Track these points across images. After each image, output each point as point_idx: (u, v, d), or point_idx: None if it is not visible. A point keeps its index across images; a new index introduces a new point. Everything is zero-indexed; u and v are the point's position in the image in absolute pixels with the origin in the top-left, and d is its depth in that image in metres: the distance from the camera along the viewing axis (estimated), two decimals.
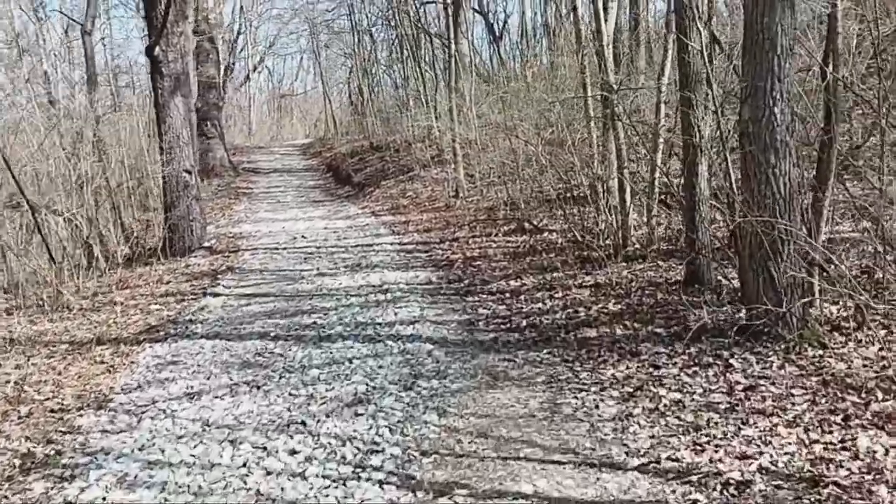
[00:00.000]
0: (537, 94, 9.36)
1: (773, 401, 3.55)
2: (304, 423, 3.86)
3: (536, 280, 6.49)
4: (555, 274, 6.54)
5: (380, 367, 4.64)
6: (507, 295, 6.16)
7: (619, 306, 5.39)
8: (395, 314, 5.88)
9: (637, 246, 6.73)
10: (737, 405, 3.57)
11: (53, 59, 13.53)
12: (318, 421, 3.87)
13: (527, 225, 9.12)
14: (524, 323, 5.38)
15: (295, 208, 14.52)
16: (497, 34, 21.46)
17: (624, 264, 6.40)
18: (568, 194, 8.15)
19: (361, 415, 3.91)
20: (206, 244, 10.56)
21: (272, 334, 5.56)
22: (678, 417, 3.54)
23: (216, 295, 7.02)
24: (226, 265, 8.87)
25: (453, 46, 13.19)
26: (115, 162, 11.01)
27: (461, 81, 13.73)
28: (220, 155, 20.90)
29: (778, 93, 4.12)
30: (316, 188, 18.11)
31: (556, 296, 5.92)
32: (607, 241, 6.81)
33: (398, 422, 3.80)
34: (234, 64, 37.04)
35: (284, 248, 9.91)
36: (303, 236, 10.77)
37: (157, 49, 10.21)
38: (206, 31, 20.10)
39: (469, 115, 12.77)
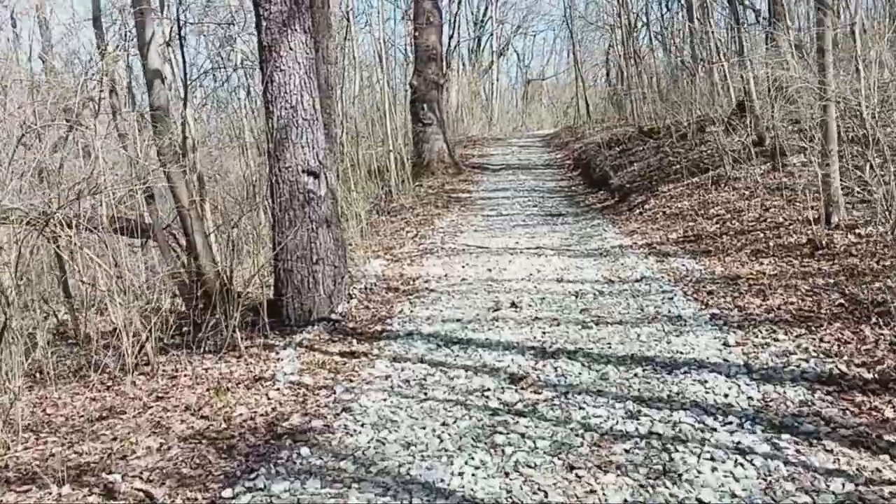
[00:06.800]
0: None
1: None
2: None
3: None
4: None
5: None
6: None
7: None
8: None
9: None
10: None
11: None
12: None
13: None
14: None
15: (519, 226, 9.23)
16: None
17: None
18: None
19: None
20: (340, 307, 5.61)
21: None
22: None
23: None
24: (311, 404, 3.78)
25: None
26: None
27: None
28: (439, 147, 16.25)
29: None
30: (555, 193, 12.62)
31: None
32: None
33: None
34: (479, 39, 32.92)
35: (466, 346, 4.59)
36: (513, 304, 5.37)
37: None
38: None
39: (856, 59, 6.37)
